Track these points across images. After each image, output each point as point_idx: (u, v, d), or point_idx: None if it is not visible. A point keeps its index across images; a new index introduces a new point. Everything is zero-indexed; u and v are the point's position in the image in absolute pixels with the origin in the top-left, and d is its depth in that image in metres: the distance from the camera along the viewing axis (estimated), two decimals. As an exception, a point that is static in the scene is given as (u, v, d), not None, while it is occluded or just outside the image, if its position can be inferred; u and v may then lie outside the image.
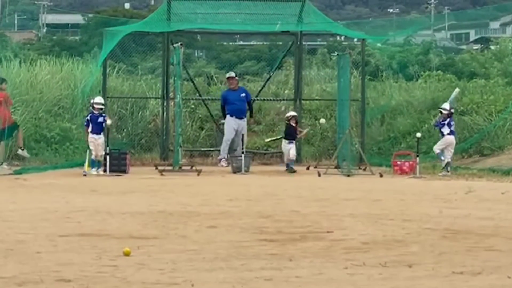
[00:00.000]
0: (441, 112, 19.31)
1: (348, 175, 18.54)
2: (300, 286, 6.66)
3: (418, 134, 19.23)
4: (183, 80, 21.09)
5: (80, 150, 20.40)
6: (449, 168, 18.84)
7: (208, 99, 23.64)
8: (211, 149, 22.43)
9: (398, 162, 19.49)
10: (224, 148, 20.76)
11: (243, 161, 19.16)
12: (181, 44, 19.38)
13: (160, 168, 18.77)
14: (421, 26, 39.16)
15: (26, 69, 23.32)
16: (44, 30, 70.28)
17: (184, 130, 20.91)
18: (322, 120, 14.23)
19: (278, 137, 21.33)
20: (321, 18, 22.54)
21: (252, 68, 34.19)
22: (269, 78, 24.44)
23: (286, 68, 26.53)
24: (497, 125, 21.56)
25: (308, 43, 34.18)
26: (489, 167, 19.54)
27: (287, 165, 19.74)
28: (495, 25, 78.06)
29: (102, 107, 18.94)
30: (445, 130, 19.07)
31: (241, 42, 55.80)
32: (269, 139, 22.19)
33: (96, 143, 18.40)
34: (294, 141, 20.02)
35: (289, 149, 19.78)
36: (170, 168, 18.89)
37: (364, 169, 19.23)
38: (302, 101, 22.39)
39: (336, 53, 24.28)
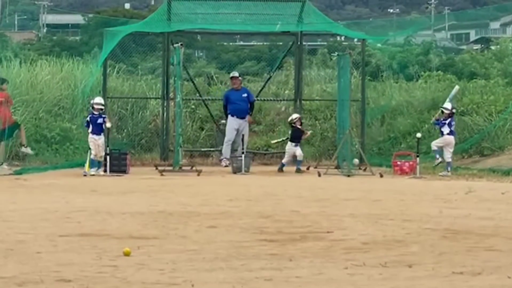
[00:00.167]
0: (442, 112, 19.31)
1: (348, 175, 18.54)
2: (300, 286, 6.66)
3: (418, 135, 19.23)
4: (183, 80, 21.08)
5: (81, 150, 20.40)
6: (449, 168, 18.84)
7: (208, 99, 23.64)
8: (211, 149, 22.44)
9: (398, 162, 19.49)
10: (225, 148, 20.76)
11: (243, 161, 19.16)
12: (181, 44, 19.38)
13: (160, 168, 18.77)
14: (421, 26, 39.15)
15: (26, 69, 23.33)
16: (44, 30, 70.31)
17: (184, 130, 20.91)
18: (356, 161, 13.87)
19: (284, 138, 21.30)
20: (321, 18, 22.54)
21: (252, 68, 34.18)
22: (269, 78, 24.43)
23: (286, 68, 26.53)
24: (497, 126, 21.56)
25: (309, 43, 34.17)
26: (489, 167, 19.55)
27: (282, 165, 19.78)
28: (495, 25, 78.06)
29: (102, 107, 18.93)
30: (445, 129, 19.07)
31: (242, 42, 55.81)
32: (276, 141, 22.11)
33: (96, 143, 18.40)
34: (299, 143, 20.06)
35: (295, 151, 19.84)
36: (170, 168, 18.89)
37: (364, 169, 19.24)
38: (303, 102, 22.39)
39: (336, 53, 24.27)
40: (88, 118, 18.70)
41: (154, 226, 10.04)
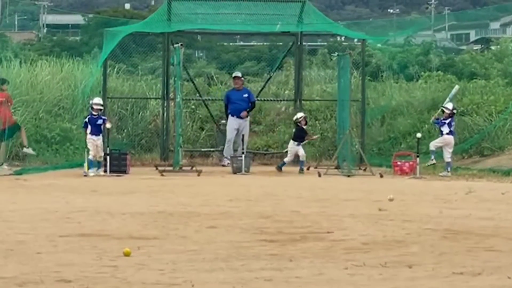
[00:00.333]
0: (443, 111, 19.31)
1: (348, 176, 18.54)
2: (300, 286, 6.66)
3: (419, 135, 19.23)
4: (183, 81, 21.09)
5: (80, 150, 20.37)
6: (449, 169, 18.85)
7: (209, 99, 23.64)
8: (212, 149, 22.44)
9: (398, 163, 19.49)
10: (226, 148, 20.75)
11: (243, 162, 19.16)
12: (181, 45, 19.38)
13: (160, 168, 18.78)
14: (421, 27, 39.16)
15: (26, 70, 23.33)
16: (45, 31, 70.27)
17: (184, 130, 20.91)
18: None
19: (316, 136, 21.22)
20: (322, 19, 22.53)
21: (253, 69, 34.17)
22: (269, 79, 24.44)
23: (286, 69, 26.53)
24: (497, 126, 21.56)
25: (309, 43, 34.19)
26: (489, 168, 19.55)
27: (283, 163, 19.81)
28: (495, 25, 78.06)
29: (101, 107, 18.93)
30: (445, 129, 19.07)
31: (242, 43, 55.80)
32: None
33: (95, 144, 18.40)
34: (302, 143, 20.07)
35: (297, 150, 19.86)
36: (170, 168, 18.89)
37: (364, 170, 19.24)
38: (303, 102, 22.39)
39: (336, 53, 24.28)
40: (87, 119, 18.68)
41: (154, 226, 10.04)
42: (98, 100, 18.98)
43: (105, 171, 18.34)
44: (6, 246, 8.39)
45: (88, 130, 18.52)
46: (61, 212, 11.32)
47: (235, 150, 20.57)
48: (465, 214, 11.49)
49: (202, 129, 23.50)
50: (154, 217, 10.82)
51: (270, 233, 9.49)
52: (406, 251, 8.37)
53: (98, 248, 8.33)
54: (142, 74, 26.91)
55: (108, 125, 18.91)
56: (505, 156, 20.68)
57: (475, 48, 45.68)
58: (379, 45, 28.30)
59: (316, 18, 22.20)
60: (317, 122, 22.99)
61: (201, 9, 22.28)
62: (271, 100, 24.37)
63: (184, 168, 19.00)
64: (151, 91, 24.07)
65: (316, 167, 20.08)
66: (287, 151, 20.33)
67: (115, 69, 24.56)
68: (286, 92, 24.81)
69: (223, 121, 21.82)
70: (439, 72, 26.13)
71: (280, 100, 24.48)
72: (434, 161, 18.94)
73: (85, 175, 17.87)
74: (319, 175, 18.61)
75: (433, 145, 19.10)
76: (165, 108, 21.48)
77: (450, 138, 19.08)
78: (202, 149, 22.54)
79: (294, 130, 20.58)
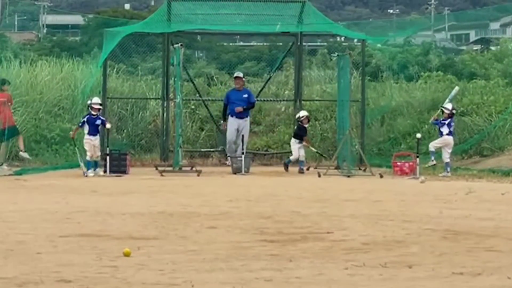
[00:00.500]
0: (442, 112, 19.31)
1: (348, 176, 18.54)
2: (300, 286, 6.66)
3: (418, 135, 19.23)
4: (183, 81, 21.09)
5: (80, 150, 20.38)
6: (448, 169, 18.85)
7: (208, 99, 23.64)
8: (211, 149, 22.44)
9: (398, 163, 19.49)
10: (228, 149, 20.72)
11: (243, 162, 19.16)
12: (181, 45, 19.38)
13: (160, 168, 18.78)
14: (421, 27, 39.20)
15: (26, 70, 23.33)
16: (45, 31, 70.24)
17: (184, 130, 20.91)
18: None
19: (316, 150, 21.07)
20: (321, 19, 22.53)
21: (252, 69, 34.18)
22: (269, 79, 24.45)
23: (286, 69, 26.52)
24: (497, 126, 21.56)
25: (308, 43, 34.21)
26: (489, 168, 19.56)
27: (289, 161, 19.84)
28: (495, 26, 78.07)
29: (101, 107, 18.94)
30: (445, 130, 19.07)
31: (241, 43, 55.79)
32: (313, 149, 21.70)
33: (92, 143, 18.38)
34: (303, 141, 20.08)
35: (298, 148, 19.87)
36: (170, 168, 18.89)
37: (364, 170, 19.24)
38: (302, 102, 22.38)
39: (336, 53, 24.29)
40: (85, 118, 18.63)
41: (154, 226, 10.04)
42: (97, 100, 18.98)
43: (105, 171, 18.34)
44: (6, 246, 8.39)
45: (86, 130, 18.49)
46: (61, 212, 11.32)
47: (235, 151, 20.56)
48: (465, 214, 11.49)
49: (202, 130, 23.50)
50: (154, 218, 10.82)
51: (270, 234, 9.49)
52: (406, 251, 8.37)
53: (98, 248, 8.32)
54: (142, 74, 26.92)
55: (108, 125, 18.91)
56: (505, 156, 20.68)
57: (475, 48, 45.70)
58: (379, 45, 28.31)
59: (316, 18, 22.20)
60: (317, 122, 22.99)
61: (201, 10, 22.27)
62: (271, 100, 24.37)
63: (184, 168, 18.99)
64: (151, 92, 24.07)
65: (316, 168, 20.08)
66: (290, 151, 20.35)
67: (115, 70, 24.56)
68: (286, 92, 24.80)
69: (222, 123, 21.82)
70: (439, 72, 26.12)
71: (280, 101, 24.47)
72: (434, 162, 18.94)
73: (86, 175, 17.88)
74: (319, 176, 18.62)
75: (432, 145, 19.10)
76: (165, 109, 21.47)
77: (450, 139, 19.08)
78: (202, 150, 22.53)
79: (295, 127, 20.60)
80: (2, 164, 18.60)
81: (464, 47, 55.40)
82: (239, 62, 35.14)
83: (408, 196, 14.09)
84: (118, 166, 18.48)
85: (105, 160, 18.46)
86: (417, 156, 18.71)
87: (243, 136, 20.24)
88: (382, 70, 27.36)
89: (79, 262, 7.55)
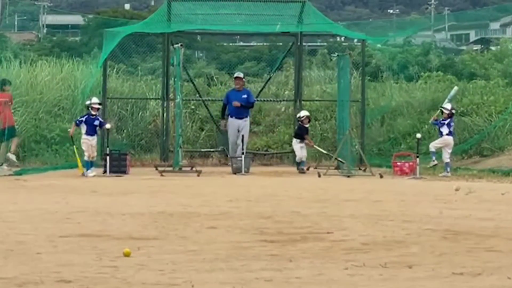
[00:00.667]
0: (442, 112, 19.31)
1: (348, 176, 18.54)
2: (300, 287, 6.66)
3: (418, 135, 19.24)
4: (183, 81, 21.09)
5: (80, 151, 20.38)
6: (448, 169, 18.85)
7: (208, 100, 23.64)
8: (211, 150, 22.43)
9: (398, 163, 19.50)
10: (231, 151, 20.67)
11: (243, 162, 19.16)
12: (181, 45, 19.38)
13: (160, 169, 18.78)
14: (421, 27, 39.22)
15: (26, 70, 23.33)
16: (44, 31, 70.25)
17: (184, 131, 20.91)
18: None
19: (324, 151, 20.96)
20: (321, 19, 22.54)
21: (252, 69, 34.19)
22: (269, 79, 24.45)
23: (286, 69, 26.53)
24: (497, 126, 21.56)
25: (308, 44, 34.22)
26: (489, 168, 19.56)
27: (298, 164, 19.84)
28: (495, 26, 78.08)
29: (100, 106, 18.96)
30: (445, 130, 19.08)
31: (241, 43, 55.81)
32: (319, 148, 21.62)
33: (90, 144, 18.37)
34: (304, 141, 20.07)
35: (300, 148, 19.88)
36: (170, 169, 18.89)
37: (364, 170, 19.24)
38: (302, 102, 22.38)
39: (336, 54, 24.29)
40: (83, 118, 18.58)
41: (154, 226, 10.04)
42: (96, 100, 18.97)
43: (105, 171, 18.34)
44: (6, 246, 8.39)
45: (84, 130, 18.47)
46: (61, 212, 11.32)
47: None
48: (465, 214, 11.48)
49: (202, 130, 23.50)
50: (154, 218, 10.82)
51: (270, 234, 9.48)
52: (406, 251, 8.37)
53: (98, 248, 8.32)
54: (142, 74, 26.93)
55: (108, 126, 18.91)
56: (505, 156, 20.69)
57: (475, 48, 45.71)
58: (379, 45, 28.30)
59: (316, 18, 22.20)
60: (317, 122, 22.99)
61: (201, 10, 22.28)
62: (271, 100, 24.37)
63: (184, 168, 19.00)
64: (151, 92, 24.08)
65: (316, 168, 20.08)
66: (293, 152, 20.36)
67: (115, 70, 24.57)
68: (286, 92, 24.81)
69: (221, 122, 21.81)
70: (439, 72, 26.13)
71: (280, 101, 24.47)
72: (435, 162, 18.94)
73: (86, 176, 17.88)
74: (319, 176, 18.62)
75: (433, 146, 19.10)
76: (165, 109, 21.48)
77: (450, 139, 19.08)
78: (202, 150, 22.53)
79: (296, 127, 20.62)
80: (2, 164, 18.60)
81: (464, 47, 55.42)
82: (239, 62, 35.16)
83: (408, 196, 14.09)
84: (118, 166, 18.48)
85: (105, 160, 18.46)
86: (417, 156, 18.71)
87: (243, 136, 20.24)
88: (382, 70, 27.37)
89: (79, 262, 7.55)
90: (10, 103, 19.24)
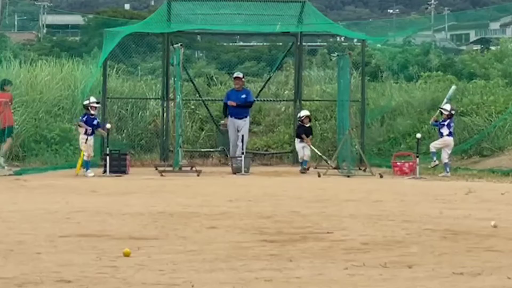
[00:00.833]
0: (441, 113, 19.31)
1: (348, 176, 18.54)
2: (300, 286, 6.66)
3: (418, 135, 19.23)
4: (183, 81, 21.08)
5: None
6: (448, 169, 18.85)
7: (208, 99, 23.64)
8: (211, 149, 22.43)
9: (398, 163, 19.50)
10: (232, 150, 20.67)
11: (243, 162, 19.16)
12: (181, 45, 19.38)
13: (160, 169, 18.78)
14: (421, 27, 39.25)
15: (26, 70, 23.33)
16: (44, 31, 70.25)
17: (184, 131, 20.90)
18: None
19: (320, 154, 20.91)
20: (321, 19, 22.54)
21: (252, 69, 34.20)
22: (269, 79, 24.46)
23: (286, 69, 26.53)
24: (497, 126, 21.56)
25: (308, 43, 34.19)
26: (489, 168, 19.57)
27: (301, 164, 19.85)
28: (495, 26, 78.04)
29: (98, 105, 18.98)
30: (445, 131, 19.07)
31: (241, 43, 55.78)
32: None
33: (89, 143, 18.37)
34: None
35: (302, 148, 19.87)
36: (170, 169, 18.89)
37: (364, 170, 19.24)
38: (302, 102, 22.38)
39: (336, 53, 24.29)
40: (84, 118, 18.55)
41: (154, 226, 10.04)
42: (94, 99, 18.95)
43: (105, 171, 18.34)
44: (6, 246, 8.39)
45: (82, 131, 18.44)
46: (61, 212, 11.32)
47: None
48: (465, 214, 11.49)
49: (202, 130, 23.50)
50: (154, 218, 10.82)
51: (270, 234, 9.49)
52: (406, 251, 8.37)
53: (98, 248, 8.32)
54: (142, 74, 26.95)
55: (108, 125, 18.91)
56: (504, 156, 20.68)
57: (474, 48, 45.65)
58: (378, 45, 28.31)
59: (316, 18, 22.21)
60: (317, 122, 22.98)
61: (201, 10, 22.28)
62: (271, 100, 24.37)
63: (183, 168, 18.99)
64: (151, 92, 24.08)
65: (315, 168, 20.07)
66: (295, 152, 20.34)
67: (115, 70, 24.57)
68: (286, 92, 24.81)
69: (222, 121, 21.82)
70: (439, 72, 26.13)
71: (280, 101, 24.48)
72: (437, 162, 18.93)
73: (87, 176, 17.87)
74: (319, 176, 18.62)
75: (433, 146, 19.10)
76: (165, 109, 21.48)
77: (450, 140, 19.08)
78: (202, 150, 22.53)
79: (296, 127, 20.64)
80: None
81: (464, 47, 55.39)
82: (239, 62, 35.16)
83: (408, 196, 14.09)
84: (118, 166, 18.48)
85: (105, 160, 18.46)
86: (417, 156, 18.71)
87: (242, 136, 20.24)
88: (382, 70, 27.37)
89: (79, 262, 7.55)
90: (10, 103, 19.22)
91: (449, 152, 19.06)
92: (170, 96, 21.25)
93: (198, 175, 18.29)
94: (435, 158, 18.98)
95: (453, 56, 34.09)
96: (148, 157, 21.84)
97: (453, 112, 19.31)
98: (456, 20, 61.89)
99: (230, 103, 20.60)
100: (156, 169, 18.91)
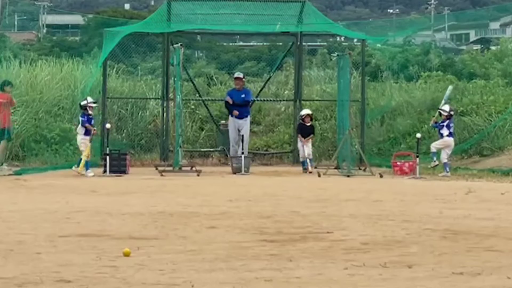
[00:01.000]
0: (440, 114, 19.31)
1: (348, 176, 18.54)
2: (300, 286, 6.66)
3: (418, 135, 19.24)
4: (183, 81, 21.09)
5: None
6: (447, 169, 18.85)
7: (208, 99, 23.64)
8: (211, 149, 22.44)
9: (398, 163, 19.51)
10: (232, 150, 20.67)
11: (243, 162, 19.16)
12: (181, 45, 19.38)
13: (160, 168, 18.78)
14: (421, 27, 39.24)
15: (26, 70, 23.33)
16: (44, 31, 70.26)
17: (184, 130, 20.91)
18: None
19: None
20: (321, 19, 22.55)
21: (252, 69, 34.21)
22: (269, 79, 24.46)
23: (286, 69, 26.54)
24: (497, 126, 21.56)
25: (308, 43, 34.19)
26: (489, 168, 19.57)
27: (303, 164, 19.83)
28: (495, 25, 78.04)
29: (95, 105, 18.99)
30: (444, 131, 19.08)
31: (241, 43, 55.79)
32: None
33: (86, 144, 18.37)
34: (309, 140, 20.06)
35: (301, 146, 19.87)
36: (170, 168, 18.89)
37: (364, 170, 19.24)
38: (302, 102, 22.38)
39: (336, 53, 24.29)
40: (85, 118, 18.53)
41: (154, 226, 10.04)
42: (92, 99, 18.93)
43: (105, 171, 18.34)
44: (6, 246, 8.39)
45: (82, 131, 18.43)
46: (60, 212, 11.32)
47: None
48: (464, 214, 11.49)
49: (202, 129, 23.51)
50: (154, 217, 10.82)
51: (270, 233, 9.48)
52: (406, 251, 8.37)
53: (97, 248, 8.32)
54: (142, 74, 26.95)
55: (108, 125, 18.90)
56: (504, 156, 20.69)
57: (474, 48, 45.67)
58: (378, 45, 28.31)
59: (315, 18, 22.21)
60: (317, 122, 22.99)
61: (200, 9, 22.29)
62: (270, 100, 24.37)
63: (183, 168, 18.99)
64: (150, 91, 24.08)
65: (315, 167, 20.07)
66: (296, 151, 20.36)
67: (115, 69, 24.57)
68: (286, 92, 24.82)
69: (223, 121, 21.81)
70: (439, 72, 26.14)
71: (280, 100, 24.48)
72: (436, 163, 18.94)
73: (88, 176, 17.88)
74: (319, 175, 18.62)
75: (433, 146, 19.11)
76: (164, 108, 21.48)
77: (450, 140, 19.08)
78: (202, 149, 22.54)
79: (297, 126, 20.68)
80: (2, 164, 18.59)
81: (464, 47, 55.40)
82: (239, 62, 35.18)
83: (408, 196, 14.09)
84: (118, 166, 18.48)
85: (105, 160, 18.46)
86: (417, 156, 18.71)
87: (242, 136, 20.25)
88: (382, 70, 27.37)
89: (79, 262, 7.55)
90: (10, 104, 19.14)
91: (449, 152, 19.06)
92: (170, 96, 21.25)
93: (198, 175, 18.30)
94: (435, 158, 18.98)
95: (453, 56, 34.13)
96: (148, 157, 21.84)
97: (452, 112, 19.31)
98: (456, 20, 61.88)
99: (227, 98, 20.63)
100: (156, 169, 18.91)
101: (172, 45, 20.29)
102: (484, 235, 9.46)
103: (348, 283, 6.81)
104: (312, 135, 20.31)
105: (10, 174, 18.00)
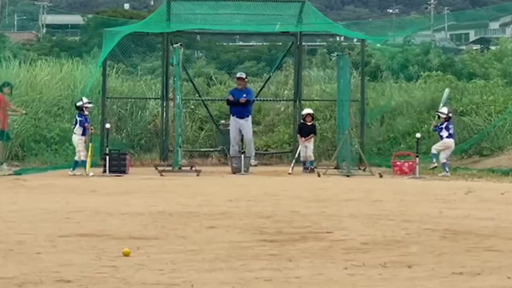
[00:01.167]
0: (438, 116, 19.33)
1: (348, 176, 18.54)
2: (300, 286, 6.66)
3: (418, 135, 19.24)
4: (183, 81, 21.08)
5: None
6: (447, 169, 18.85)
7: (208, 99, 23.64)
8: (211, 149, 22.43)
9: (398, 163, 19.50)
10: (232, 150, 20.66)
11: (242, 162, 19.15)
12: (180, 45, 19.38)
13: (159, 168, 18.77)
14: (420, 27, 39.22)
15: (25, 70, 23.33)
16: (44, 31, 70.24)
17: (183, 130, 20.90)
18: None
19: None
20: (321, 19, 22.55)
21: (252, 69, 34.17)
22: (268, 79, 24.46)
23: (286, 69, 26.53)
24: (496, 126, 21.56)
25: (308, 43, 34.18)
26: (488, 168, 19.57)
27: (304, 164, 19.81)
28: (494, 25, 78.03)
29: (91, 105, 19.00)
30: (444, 133, 19.10)
31: (241, 43, 55.76)
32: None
33: (84, 144, 18.36)
34: (310, 139, 20.03)
35: (301, 146, 19.86)
36: (169, 168, 18.88)
37: (364, 170, 19.23)
38: (302, 102, 22.38)
39: (335, 53, 24.29)
40: (83, 118, 18.50)
41: (153, 226, 10.04)
42: (87, 99, 18.92)
43: (105, 171, 18.34)
44: (6, 246, 8.39)
45: (80, 131, 18.42)
46: (60, 212, 11.32)
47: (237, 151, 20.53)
48: (464, 214, 11.49)
49: (202, 129, 23.51)
50: (154, 217, 10.82)
51: (269, 233, 9.49)
52: (406, 251, 8.37)
53: (97, 248, 8.32)
54: (142, 74, 26.94)
55: (107, 125, 18.89)
56: (504, 156, 20.69)
57: (474, 48, 45.66)
58: (378, 45, 28.30)
59: (315, 18, 22.21)
60: (316, 122, 22.98)
61: (200, 9, 22.29)
62: (270, 100, 24.37)
63: (183, 168, 18.99)
64: (150, 91, 24.08)
65: (315, 167, 20.05)
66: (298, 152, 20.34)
67: (115, 69, 24.57)
68: (286, 92, 24.82)
69: (223, 121, 21.80)
70: (439, 72, 26.13)
71: (280, 100, 24.48)
72: (436, 164, 18.94)
73: (88, 176, 17.87)
74: (319, 175, 18.61)
75: (434, 148, 19.12)
76: (164, 108, 21.48)
77: (450, 142, 19.09)
78: (202, 149, 22.54)
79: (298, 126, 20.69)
80: (2, 164, 18.59)
81: (463, 47, 55.38)
82: (238, 62, 35.14)
83: (408, 196, 14.09)
84: (117, 166, 18.48)
85: (105, 160, 18.45)
86: (417, 156, 18.71)
87: (243, 136, 20.23)
88: (381, 70, 27.37)
89: (79, 262, 7.55)
90: (6, 105, 19.07)
91: (449, 153, 19.09)
92: (169, 96, 21.25)
93: (197, 175, 18.29)
94: (434, 160, 18.99)
95: (452, 56, 34.11)
96: (147, 157, 21.84)
97: (450, 114, 19.33)
98: (456, 20, 61.87)
99: (229, 97, 20.63)
100: (156, 169, 18.91)
101: (172, 45, 20.29)
102: (484, 235, 9.46)
103: (348, 283, 6.81)
104: (312, 135, 20.25)
105: (10, 174, 18.00)
